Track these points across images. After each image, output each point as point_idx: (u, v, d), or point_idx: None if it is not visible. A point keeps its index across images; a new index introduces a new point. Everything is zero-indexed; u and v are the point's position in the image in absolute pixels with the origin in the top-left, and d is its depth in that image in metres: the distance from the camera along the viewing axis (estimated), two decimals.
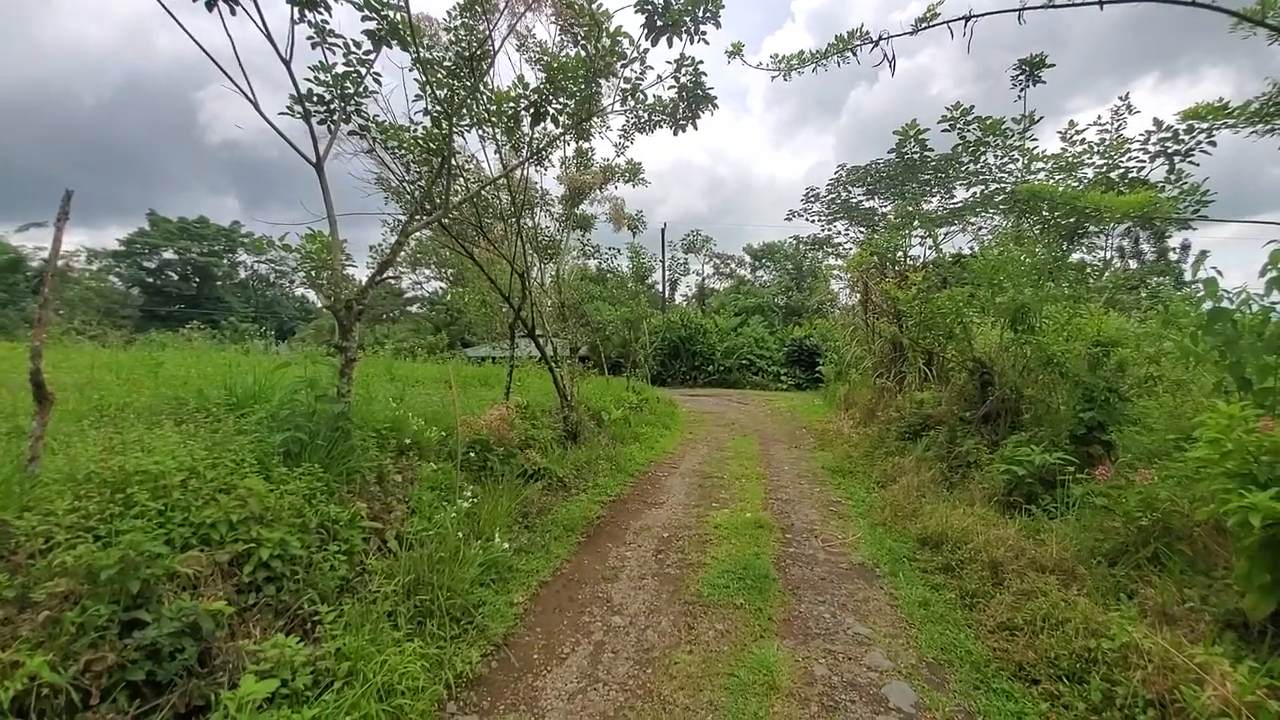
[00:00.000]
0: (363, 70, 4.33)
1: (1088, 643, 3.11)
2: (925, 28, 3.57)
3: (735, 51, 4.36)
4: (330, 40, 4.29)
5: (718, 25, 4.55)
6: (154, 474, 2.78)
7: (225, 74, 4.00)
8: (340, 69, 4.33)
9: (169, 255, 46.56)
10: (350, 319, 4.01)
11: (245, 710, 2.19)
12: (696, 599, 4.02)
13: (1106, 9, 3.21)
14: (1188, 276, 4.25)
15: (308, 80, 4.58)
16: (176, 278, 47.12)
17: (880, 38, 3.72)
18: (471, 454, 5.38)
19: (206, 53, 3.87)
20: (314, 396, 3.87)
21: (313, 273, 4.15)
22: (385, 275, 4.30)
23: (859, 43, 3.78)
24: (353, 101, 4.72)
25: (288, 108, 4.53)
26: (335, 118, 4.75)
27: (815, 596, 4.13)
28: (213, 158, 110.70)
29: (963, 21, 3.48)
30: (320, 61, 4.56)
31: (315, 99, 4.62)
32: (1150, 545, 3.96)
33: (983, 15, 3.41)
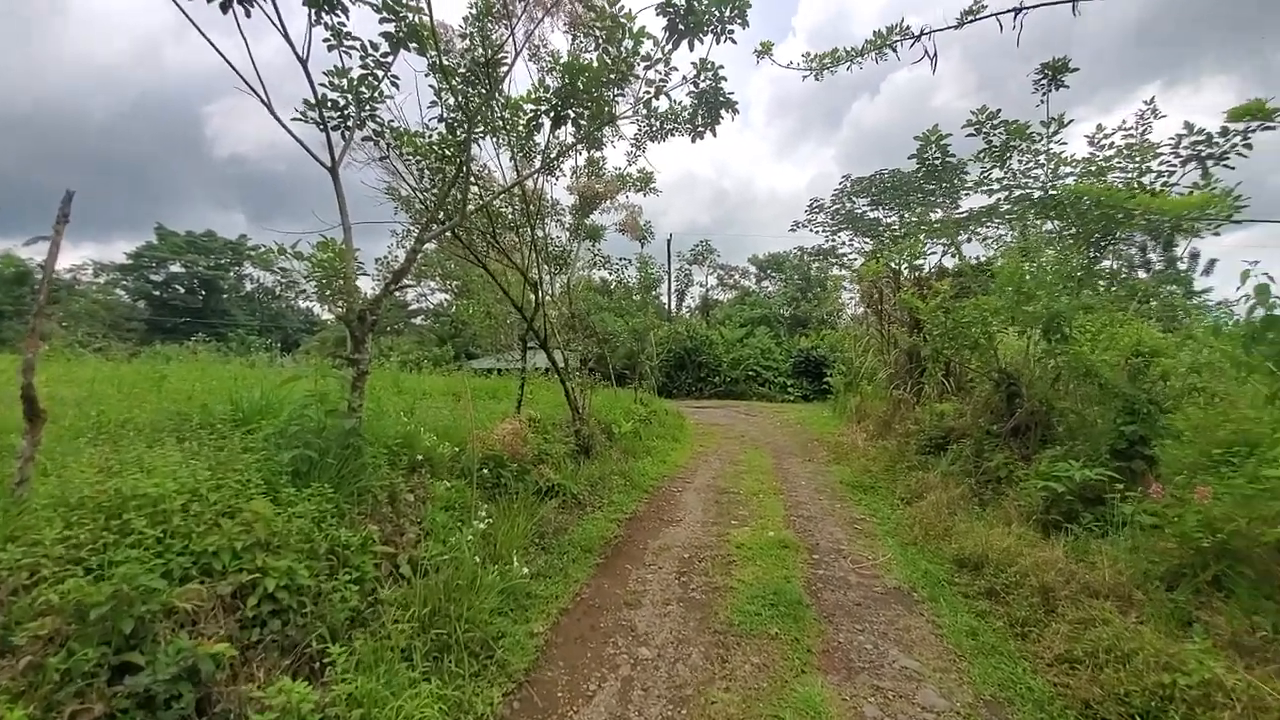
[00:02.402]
0: (380, 73, 4.17)
1: (1161, 678, 2.85)
2: (971, 20, 3.40)
3: (765, 50, 4.20)
4: (347, 43, 4.14)
5: (745, 24, 4.39)
6: (153, 497, 2.57)
7: (240, 76, 3.85)
8: (357, 72, 4.18)
9: (176, 269, 46.75)
10: (363, 330, 3.82)
11: None
12: (727, 628, 3.77)
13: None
14: (1240, 287, 4.02)
15: (322, 85, 4.45)
16: (183, 291, 47.28)
17: (922, 33, 3.55)
18: (485, 470, 5.15)
19: (223, 55, 3.72)
20: (324, 411, 3.67)
21: (324, 283, 3.96)
22: (400, 285, 4.12)
23: (898, 38, 3.61)
24: (367, 106, 4.57)
25: (300, 113, 4.38)
26: (350, 123, 4.59)
27: (853, 625, 3.88)
28: (220, 172, 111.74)
29: (1012, 14, 3.31)
30: (336, 66, 4.43)
31: (330, 104, 4.48)
32: (1210, 568, 3.70)
33: (1034, 6, 3.23)
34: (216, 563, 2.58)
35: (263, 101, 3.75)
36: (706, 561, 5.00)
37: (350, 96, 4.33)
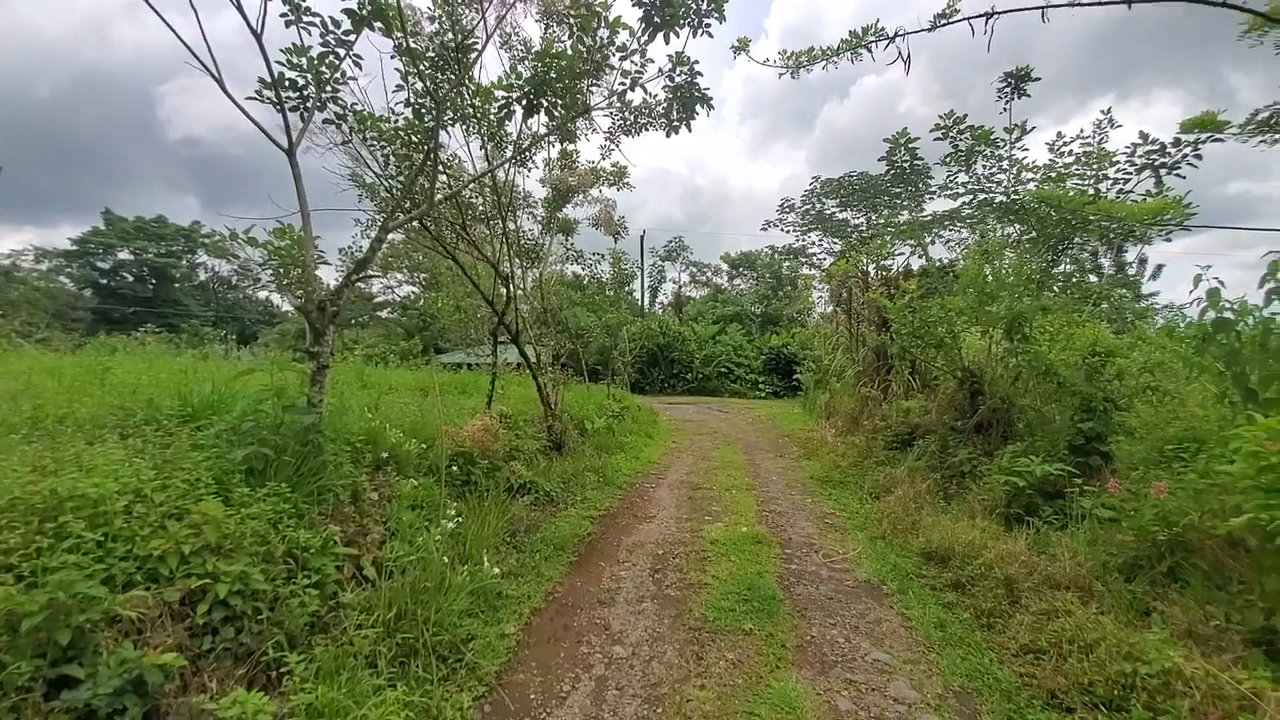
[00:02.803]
0: (341, 52, 3.98)
1: (1123, 667, 2.94)
2: (945, 24, 3.43)
3: (741, 46, 4.18)
4: (305, 20, 3.94)
5: (721, 19, 4.35)
6: (92, 498, 2.39)
7: (191, 52, 3.62)
8: (317, 50, 3.98)
9: (124, 255, 44.46)
10: (323, 322, 3.64)
11: None
12: (702, 624, 3.75)
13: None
14: (1193, 291, 4.19)
15: (280, 64, 4.23)
16: (132, 279, 45.00)
17: (896, 34, 3.57)
18: (454, 468, 5.01)
19: (171, 29, 3.51)
20: (281, 406, 3.49)
21: (281, 271, 3.76)
22: (362, 274, 3.94)
23: (873, 39, 3.62)
24: (328, 87, 4.37)
25: (257, 92, 4.15)
26: (309, 104, 4.38)
27: (826, 619, 3.90)
28: (172, 155, 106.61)
29: (984, 19, 3.35)
30: (294, 44, 4.22)
31: (288, 84, 4.27)
32: (1165, 560, 3.86)
33: (1006, 12, 3.27)
34: (163, 568, 2.42)
35: (214, 79, 3.54)
36: (680, 558, 4.98)
37: (310, 76, 4.13)
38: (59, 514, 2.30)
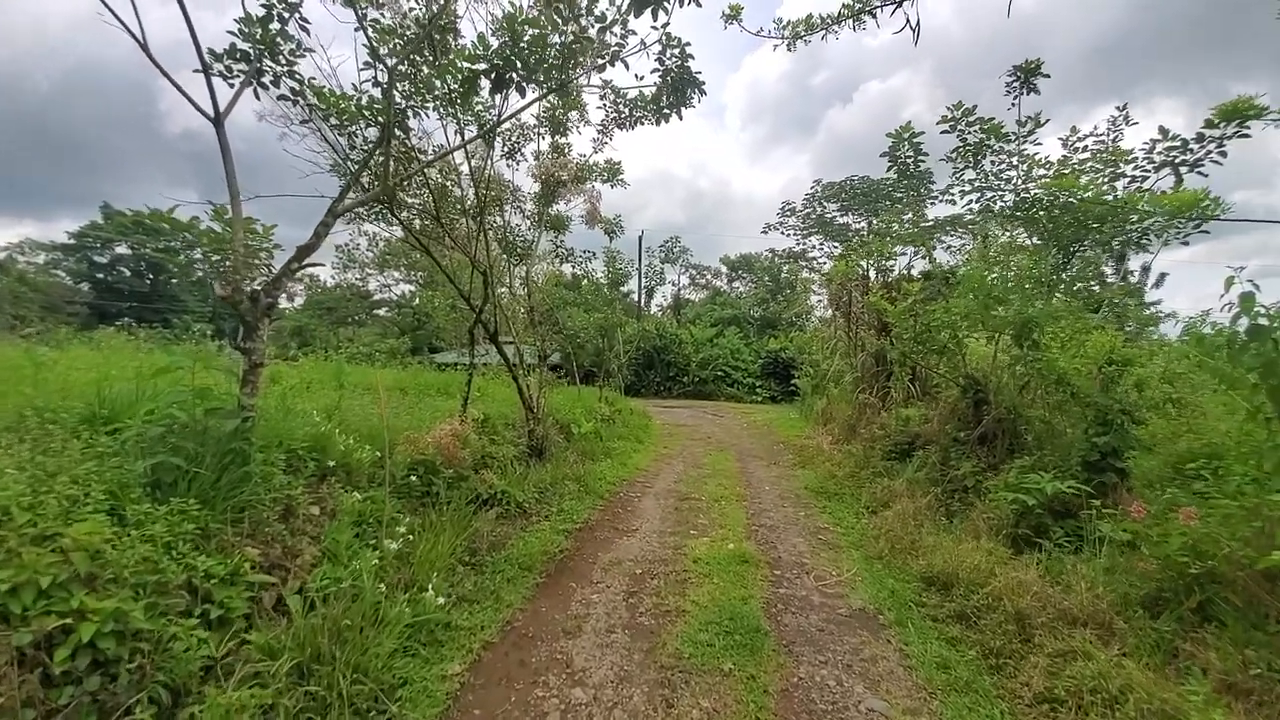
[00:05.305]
0: (286, 15, 3.59)
1: None
2: None
3: (733, 15, 3.78)
4: None
5: None
6: None
7: (111, 11, 3.23)
8: (258, 11, 3.59)
9: (122, 250, 44.02)
10: (255, 314, 3.24)
11: None
12: (676, 662, 3.34)
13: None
14: (1224, 295, 3.76)
15: (231, 34, 3.86)
16: (129, 274, 44.57)
17: None
18: (413, 478, 4.60)
19: None
20: (203, 409, 3.08)
21: (214, 258, 3.37)
22: (305, 264, 3.55)
23: (879, 4, 3.22)
24: (282, 59, 3.97)
25: (203, 64, 3.76)
26: (264, 77, 3.98)
27: (815, 655, 3.49)
28: (172, 148, 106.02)
29: None
30: (246, 14, 3.83)
31: (239, 54, 3.88)
32: (1194, 595, 3.45)
33: None
34: (15, 604, 2.01)
35: (138, 42, 3.14)
36: (659, 579, 4.57)
37: (258, 44, 3.73)
38: None
